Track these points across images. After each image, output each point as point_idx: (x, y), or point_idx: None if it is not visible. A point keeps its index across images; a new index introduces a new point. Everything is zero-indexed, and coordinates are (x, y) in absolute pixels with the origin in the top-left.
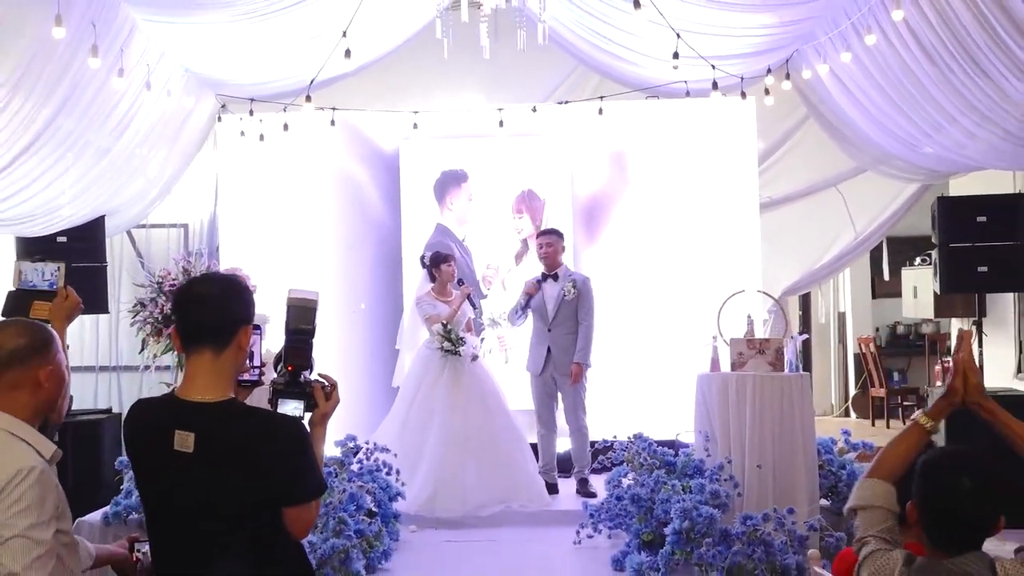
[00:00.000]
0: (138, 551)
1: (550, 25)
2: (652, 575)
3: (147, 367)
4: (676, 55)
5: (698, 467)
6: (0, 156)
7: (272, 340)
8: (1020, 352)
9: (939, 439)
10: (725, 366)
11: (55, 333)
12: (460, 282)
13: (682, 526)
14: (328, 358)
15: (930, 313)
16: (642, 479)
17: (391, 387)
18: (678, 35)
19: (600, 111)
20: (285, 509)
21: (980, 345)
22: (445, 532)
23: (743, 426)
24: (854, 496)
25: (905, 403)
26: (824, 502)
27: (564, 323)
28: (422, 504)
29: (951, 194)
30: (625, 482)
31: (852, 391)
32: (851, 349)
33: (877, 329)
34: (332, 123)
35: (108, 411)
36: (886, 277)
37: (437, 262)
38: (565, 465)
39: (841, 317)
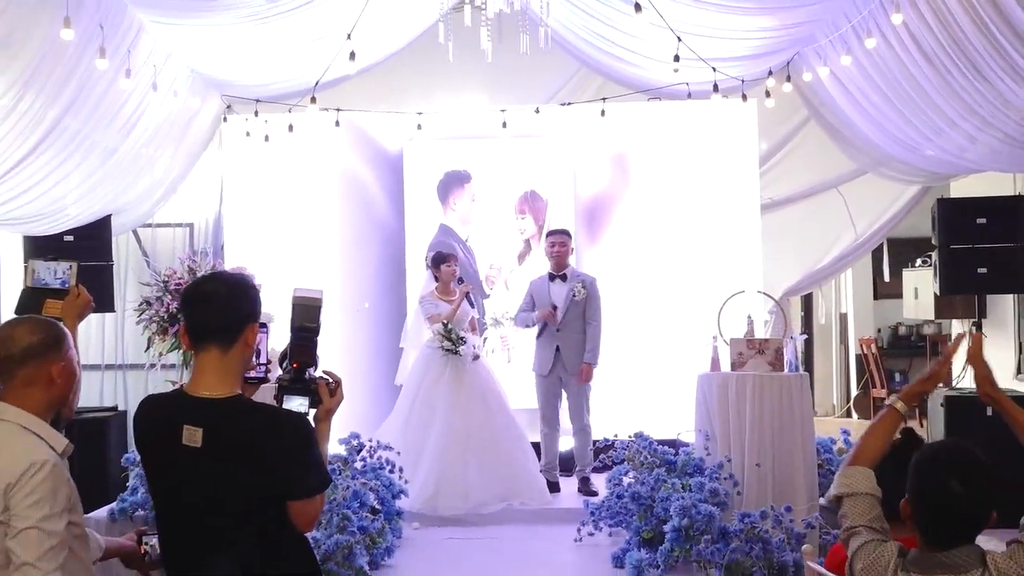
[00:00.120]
0: (146, 544)
1: (553, 27)
2: (651, 572)
3: (152, 365)
4: (677, 58)
5: (698, 466)
6: (8, 156)
7: (277, 338)
8: (1020, 353)
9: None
10: (725, 366)
11: (67, 330)
12: (460, 280)
13: (681, 523)
14: (332, 356)
15: (931, 314)
16: (642, 477)
17: (394, 385)
18: (679, 38)
19: (602, 112)
20: (291, 503)
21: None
22: (447, 529)
23: (743, 425)
24: (837, 484)
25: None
26: (823, 501)
27: (572, 323)
28: (424, 502)
29: (952, 196)
30: (626, 480)
31: (854, 392)
32: (853, 350)
33: (879, 330)
34: (336, 124)
35: (114, 409)
36: (887, 278)
37: (438, 262)
38: (567, 464)
39: (843, 318)
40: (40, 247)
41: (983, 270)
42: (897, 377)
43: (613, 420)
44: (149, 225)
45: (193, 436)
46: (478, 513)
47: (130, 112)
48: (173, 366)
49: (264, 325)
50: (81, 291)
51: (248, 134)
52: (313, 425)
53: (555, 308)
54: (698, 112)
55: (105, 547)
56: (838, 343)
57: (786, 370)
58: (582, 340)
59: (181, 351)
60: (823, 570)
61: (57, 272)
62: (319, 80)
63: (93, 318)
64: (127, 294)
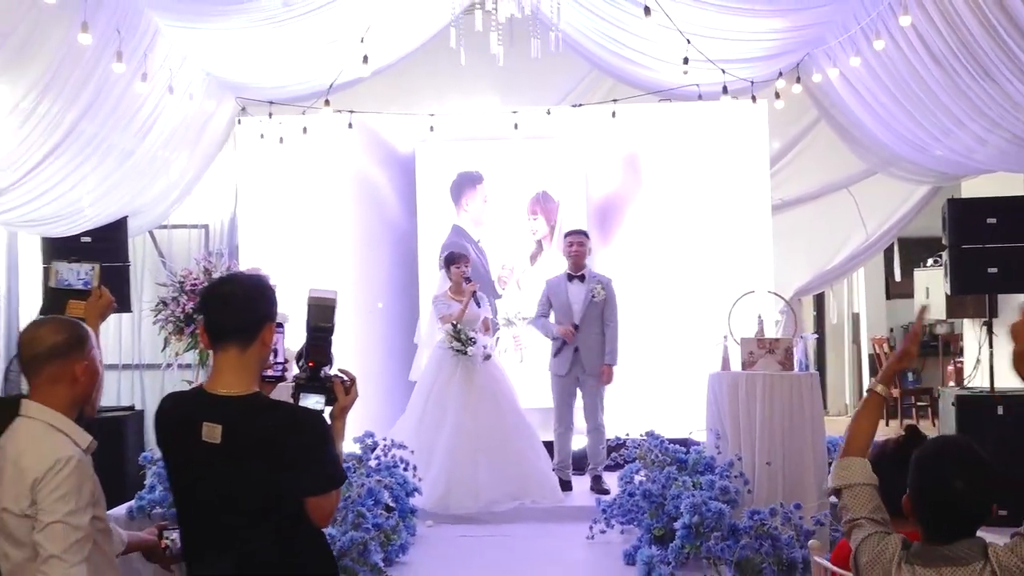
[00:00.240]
0: (166, 538)
1: (564, 30)
2: (662, 568)
3: (169, 365)
4: (686, 60)
5: (709, 464)
6: (27, 158)
7: (292, 338)
8: None
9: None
10: (736, 365)
11: (90, 330)
12: (467, 280)
13: (692, 520)
14: (346, 356)
15: (942, 314)
16: (654, 475)
17: (408, 384)
18: (688, 41)
19: (613, 114)
20: (307, 499)
21: (991, 346)
22: (461, 527)
23: (753, 424)
24: (835, 477)
25: (919, 403)
26: (833, 499)
27: (591, 324)
28: (436, 501)
29: (963, 196)
30: (637, 479)
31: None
32: (865, 349)
33: (891, 329)
34: (350, 126)
35: (131, 408)
36: (898, 278)
37: (448, 263)
38: (580, 463)
39: (855, 317)
40: (58, 248)
41: (993, 270)
42: (910, 377)
43: (625, 419)
44: (165, 226)
45: (212, 432)
46: (490, 511)
47: (146, 115)
48: (189, 366)
49: (280, 325)
50: (104, 292)
51: (262, 136)
52: (329, 422)
53: (576, 328)
54: (709, 113)
55: (127, 541)
56: (850, 343)
57: (796, 369)
58: (600, 341)
59: (197, 351)
60: (830, 565)
61: (80, 273)
62: (333, 83)
63: (110, 318)
64: (143, 295)
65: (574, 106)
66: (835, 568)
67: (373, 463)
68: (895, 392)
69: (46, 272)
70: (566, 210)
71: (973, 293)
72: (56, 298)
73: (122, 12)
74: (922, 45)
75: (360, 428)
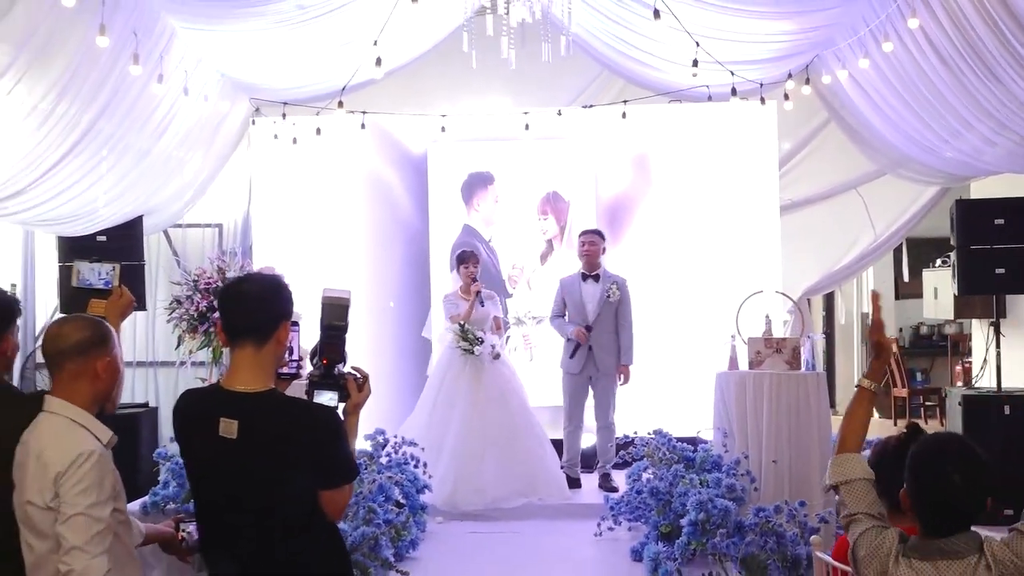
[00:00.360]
0: (183, 530)
1: (574, 31)
2: (668, 564)
3: (183, 363)
4: (695, 63)
5: (716, 462)
6: (45, 159)
7: (306, 336)
8: None
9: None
10: (743, 365)
11: (112, 329)
12: (474, 280)
13: (698, 517)
14: (358, 354)
15: (950, 314)
16: (661, 473)
17: (418, 382)
18: (697, 43)
19: (624, 115)
20: (322, 492)
21: (998, 346)
22: (470, 524)
23: (760, 423)
24: (832, 474)
25: (927, 403)
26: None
27: (605, 323)
28: (444, 498)
29: (972, 196)
30: (645, 476)
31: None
32: None
33: (900, 330)
34: (362, 126)
35: (145, 405)
36: (906, 278)
37: (458, 263)
38: (588, 460)
39: (864, 317)
40: (74, 247)
41: (1001, 270)
42: (918, 376)
43: (633, 418)
44: (179, 225)
45: (229, 428)
46: (498, 508)
47: (162, 116)
48: (203, 363)
49: (296, 323)
50: (124, 291)
51: (276, 136)
52: (342, 418)
53: (589, 329)
54: (718, 114)
55: (145, 533)
56: (859, 343)
57: (803, 369)
58: (613, 340)
59: (210, 349)
60: (831, 560)
61: (101, 273)
62: (346, 85)
63: None
64: (158, 293)
65: (585, 107)
66: (835, 563)
67: (384, 460)
68: (903, 392)
69: (62, 271)
70: (576, 210)
71: (981, 293)
72: (77, 297)
73: (139, 15)
74: (930, 47)
75: (371, 425)
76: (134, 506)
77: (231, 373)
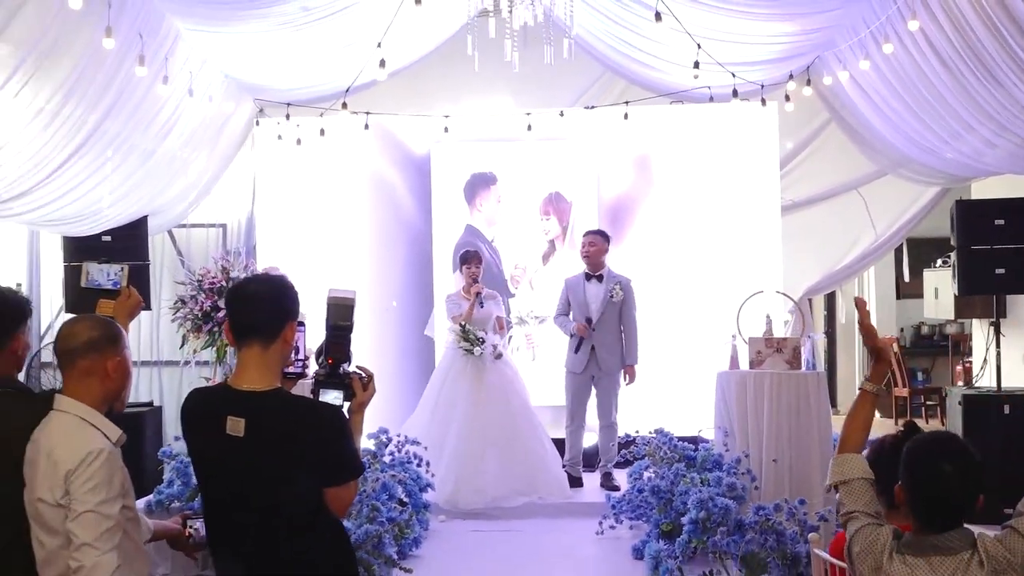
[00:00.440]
0: (190, 527)
1: (577, 33)
2: (669, 562)
3: (187, 362)
4: (697, 64)
5: (717, 461)
6: (51, 159)
7: (311, 336)
8: None
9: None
10: (744, 364)
11: (123, 329)
12: (475, 281)
13: (699, 516)
14: (361, 353)
15: (951, 314)
16: (662, 472)
17: (421, 380)
18: (699, 46)
19: (626, 115)
20: (327, 489)
21: (998, 345)
22: (472, 522)
23: (760, 422)
24: (833, 473)
25: (928, 402)
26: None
27: (608, 323)
28: (446, 497)
29: (973, 197)
30: (646, 475)
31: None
32: None
33: (902, 329)
34: (366, 127)
35: (150, 404)
36: (907, 278)
37: (461, 263)
38: (590, 459)
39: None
40: (80, 248)
41: (1001, 271)
42: (919, 376)
43: (635, 417)
44: (184, 225)
45: (236, 426)
46: (498, 507)
47: (167, 117)
48: (207, 363)
49: (302, 323)
50: (132, 292)
51: (280, 137)
52: (347, 416)
53: (589, 322)
54: (720, 115)
55: (153, 529)
56: (860, 342)
57: (803, 368)
58: (617, 340)
59: (214, 348)
60: (828, 556)
61: (110, 274)
62: (350, 86)
63: None
64: (162, 293)
65: (587, 108)
66: (832, 559)
67: (387, 458)
68: (904, 391)
69: (67, 270)
70: (578, 210)
71: (981, 293)
72: (86, 297)
73: (144, 17)
74: (930, 49)
75: (374, 424)
76: (138, 504)
77: (238, 372)
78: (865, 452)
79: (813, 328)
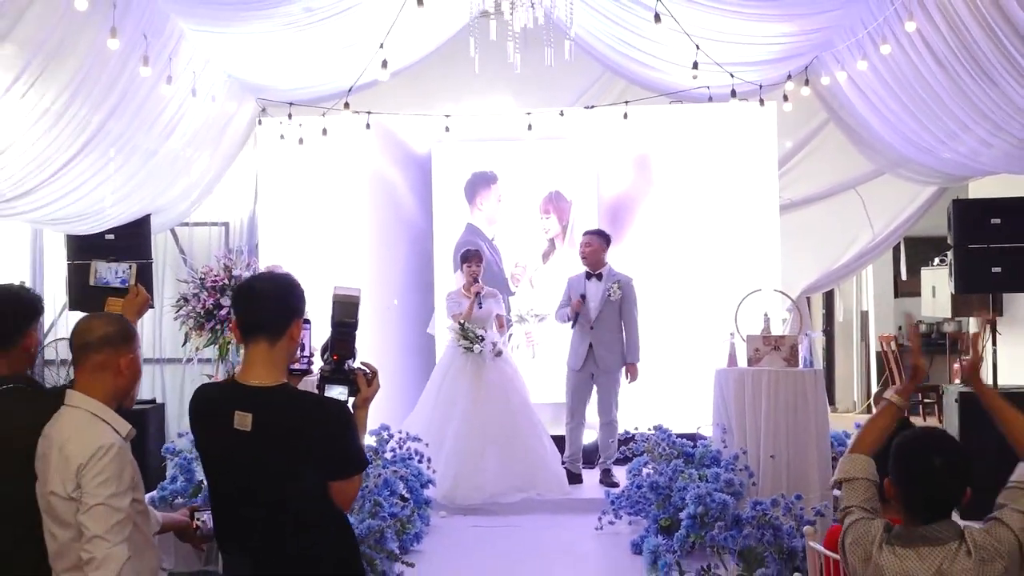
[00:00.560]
0: (198, 519)
1: (577, 33)
2: (668, 557)
3: (189, 360)
4: (696, 65)
5: (715, 457)
6: (56, 159)
7: (315, 333)
8: None
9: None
10: (742, 362)
11: (135, 329)
12: (475, 280)
13: (696, 511)
14: (363, 351)
15: (948, 312)
16: (661, 468)
17: (422, 378)
18: (697, 47)
19: (625, 115)
20: (332, 483)
21: (994, 344)
22: (473, 518)
23: (758, 419)
24: (839, 470)
25: (925, 400)
26: (837, 492)
27: (607, 321)
28: (444, 493)
29: (970, 196)
30: (645, 471)
31: (874, 388)
32: (873, 347)
33: (899, 327)
34: (367, 126)
35: (152, 401)
36: (903, 277)
37: (462, 261)
38: (590, 456)
39: (864, 315)
40: (83, 246)
41: (997, 269)
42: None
43: (635, 414)
44: (186, 224)
45: (244, 421)
46: (496, 503)
47: (170, 116)
48: (209, 360)
49: (308, 321)
50: (140, 290)
51: (282, 137)
52: (352, 411)
53: (583, 297)
54: (718, 115)
55: (162, 522)
56: (859, 340)
57: (801, 366)
58: (615, 339)
59: (217, 346)
60: (822, 549)
61: (118, 272)
62: (352, 86)
63: None
64: (165, 291)
65: (587, 108)
66: (826, 551)
67: (389, 455)
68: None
69: (70, 268)
70: (578, 209)
71: (978, 292)
72: (94, 295)
73: (149, 18)
74: (927, 50)
75: (375, 421)
76: None
77: (245, 368)
78: None
79: (811, 326)
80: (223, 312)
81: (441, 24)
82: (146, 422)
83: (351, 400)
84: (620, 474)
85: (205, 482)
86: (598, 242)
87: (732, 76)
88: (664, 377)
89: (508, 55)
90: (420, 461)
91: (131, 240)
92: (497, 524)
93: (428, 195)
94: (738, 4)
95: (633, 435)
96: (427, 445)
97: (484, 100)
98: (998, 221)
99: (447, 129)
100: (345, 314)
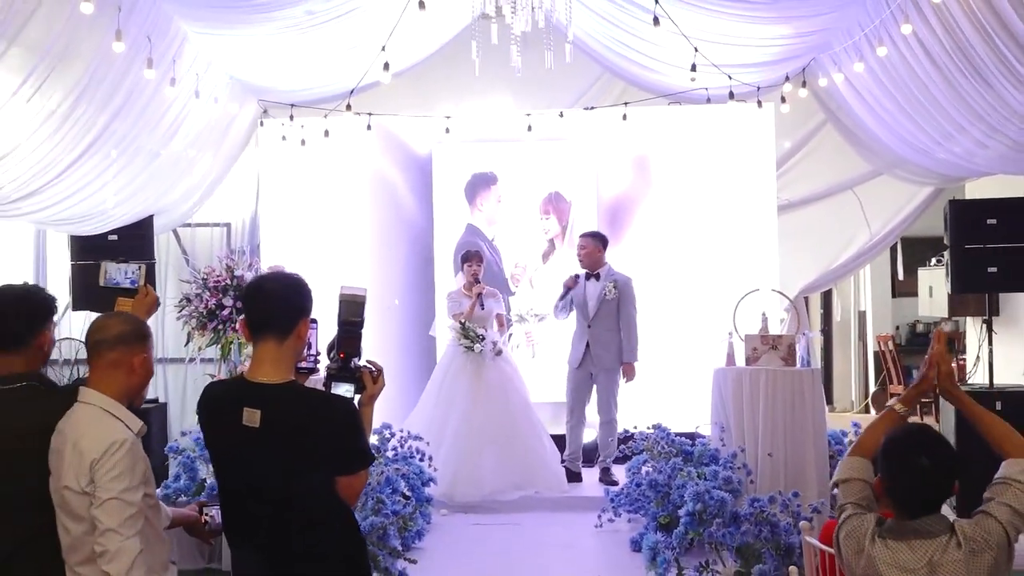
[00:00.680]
0: (206, 514)
1: (576, 35)
2: (667, 554)
3: (192, 359)
4: (694, 67)
5: (713, 456)
6: (60, 160)
7: (320, 333)
8: None
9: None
10: (740, 361)
11: (150, 330)
12: (477, 281)
13: (695, 508)
14: (364, 350)
15: (944, 312)
16: (660, 466)
17: (423, 378)
18: (696, 49)
19: (624, 116)
20: (339, 478)
21: (990, 343)
22: (473, 516)
23: (756, 417)
24: (837, 472)
25: (923, 399)
26: (836, 491)
27: (604, 321)
28: (444, 490)
29: (967, 196)
30: (644, 469)
31: (872, 388)
32: (871, 347)
33: (897, 327)
34: (368, 127)
35: (155, 401)
36: (900, 277)
37: (462, 261)
38: (590, 455)
39: (862, 315)
40: (86, 247)
41: (993, 269)
42: (914, 374)
43: (634, 413)
44: (189, 225)
45: (252, 417)
46: (495, 500)
47: (173, 118)
48: (211, 360)
49: (315, 320)
50: (150, 290)
51: (284, 138)
52: (358, 408)
53: (576, 277)
54: (717, 116)
55: (172, 516)
56: (856, 340)
57: (798, 365)
58: (613, 338)
59: (219, 346)
60: (817, 543)
61: (128, 272)
62: (354, 88)
63: None
64: (167, 291)
65: (586, 109)
66: (821, 545)
67: (391, 453)
68: (899, 388)
69: (74, 269)
70: (578, 210)
71: (974, 292)
72: (104, 296)
73: (153, 20)
74: (923, 52)
75: (377, 420)
76: None
77: (253, 366)
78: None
79: (809, 326)
80: (225, 312)
81: (442, 26)
82: (149, 421)
83: (357, 397)
84: (619, 472)
85: (208, 480)
86: (593, 244)
87: (730, 78)
88: (663, 376)
89: (509, 57)
90: (421, 459)
91: (134, 241)
92: (498, 522)
93: (429, 196)
94: (735, 6)
95: (632, 434)
96: (428, 444)
97: (484, 101)
98: (994, 221)
99: (447, 130)
100: (351, 313)
